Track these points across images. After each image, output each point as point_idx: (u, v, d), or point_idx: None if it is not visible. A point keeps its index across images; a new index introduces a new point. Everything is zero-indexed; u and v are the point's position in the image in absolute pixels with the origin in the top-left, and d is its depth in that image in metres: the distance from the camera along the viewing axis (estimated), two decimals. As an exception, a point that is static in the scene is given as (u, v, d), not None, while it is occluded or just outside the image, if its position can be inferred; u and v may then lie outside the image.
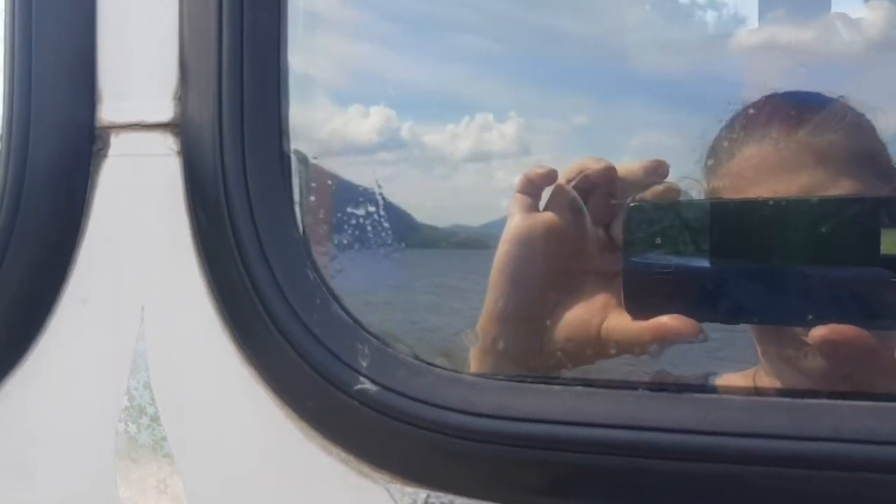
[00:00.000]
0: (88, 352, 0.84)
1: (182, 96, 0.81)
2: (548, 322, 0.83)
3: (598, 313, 0.81)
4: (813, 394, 0.68)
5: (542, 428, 0.69)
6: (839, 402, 0.65)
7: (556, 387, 0.72)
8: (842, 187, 0.95)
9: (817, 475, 0.63)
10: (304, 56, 0.81)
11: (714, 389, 0.76)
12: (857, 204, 0.75)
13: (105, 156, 0.83)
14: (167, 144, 0.81)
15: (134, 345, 0.81)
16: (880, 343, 0.71)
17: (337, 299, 0.78)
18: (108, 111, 0.83)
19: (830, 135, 0.98)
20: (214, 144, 0.78)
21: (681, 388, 0.72)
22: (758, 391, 0.84)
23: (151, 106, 0.82)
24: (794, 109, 1.01)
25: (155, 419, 0.81)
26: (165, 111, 0.81)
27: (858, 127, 1.01)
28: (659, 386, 0.72)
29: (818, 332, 0.70)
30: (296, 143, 0.81)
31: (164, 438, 0.81)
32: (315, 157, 0.82)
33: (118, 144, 0.83)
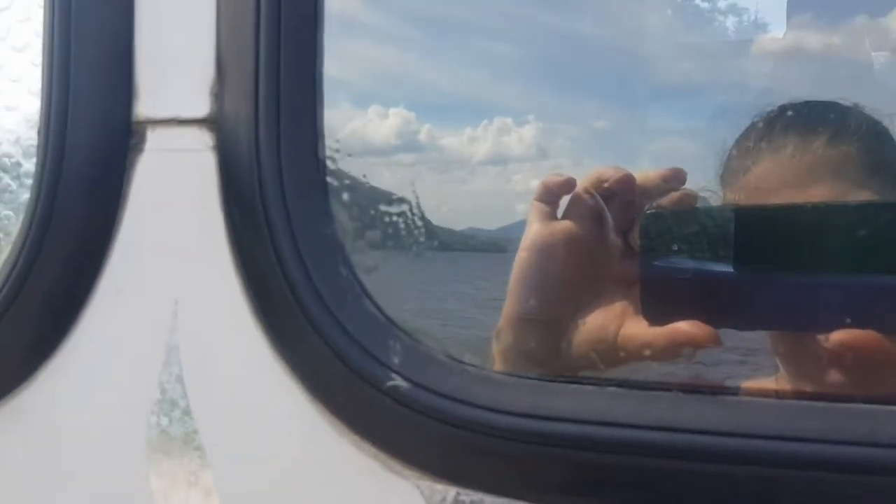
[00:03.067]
0: (122, 344, 0.84)
1: (218, 92, 0.81)
2: (566, 328, 0.83)
3: (615, 320, 0.81)
4: (849, 397, 0.67)
5: (572, 428, 0.70)
6: (876, 406, 0.64)
7: (588, 387, 0.73)
8: (859, 198, 0.94)
9: (853, 480, 0.63)
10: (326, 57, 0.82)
11: (748, 393, 0.76)
12: (881, 210, 0.75)
13: (141, 150, 0.84)
14: (203, 140, 0.82)
15: (167, 338, 0.82)
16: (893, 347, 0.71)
17: (369, 296, 0.79)
18: (145, 106, 0.84)
19: (847, 145, 0.99)
20: (250, 140, 0.79)
21: (714, 390, 0.72)
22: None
23: (187, 101, 0.82)
24: (810, 120, 1.01)
25: (186, 412, 0.81)
26: (201, 107, 0.82)
27: (876, 136, 1.01)
28: (691, 387, 0.72)
29: (837, 336, 0.70)
30: (330, 157, 0.82)
31: (195, 431, 0.81)
32: (350, 155, 0.82)
33: (154, 139, 0.84)
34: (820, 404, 0.66)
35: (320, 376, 0.78)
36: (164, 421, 0.82)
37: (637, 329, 0.79)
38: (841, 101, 1.05)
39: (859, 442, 0.63)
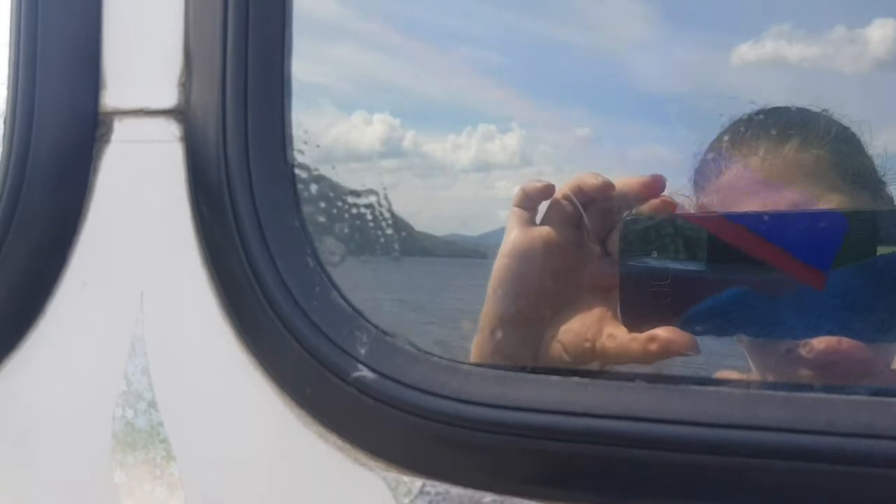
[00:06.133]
0: (87, 336, 0.83)
1: (186, 82, 0.81)
2: (544, 334, 0.83)
3: (593, 326, 0.81)
4: (809, 388, 0.67)
5: (539, 417, 0.69)
6: (835, 395, 0.64)
7: (554, 377, 0.72)
8: (830, 202, 0.96)
9: (812, 468, 0.63)
10: (308, 63, 0.82)
11: (711, 383, 0.77)
12: (855, 218, 0.75)
13: (108, 141, 0.83)
14: (170, 131, 0.81)
15: (132, 330, 0.81)
16: (877, 355, 0.73)
17: (337, 287, 0.78)
18: (112, 96, 0.83)
19: (817, 150, 1.00)
20: (217, 131, 0.78)
21: (678, 379, 0.71)
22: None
23: (155, 92, 0.82)
24: (782, 124, 1.02)
25: (152, 404, 0.80)
26: (169, 97, 0.81)
27: (845, 141, 1.02)
28: (656, 377, 0.72)
29: (814, 344, 0.71)
30: (297, 149, 0.81)
31: (160, 424, 0.80)
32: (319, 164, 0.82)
33: (121, 130, 0.83)
34: (781, 394, 0.66)
35: (287, 368, 0.77)
36: (130, 413, 0.81)
37: (615, 335, 0.79)
38: (811, 107, 1.06)
39: (819, 431, 0.63)
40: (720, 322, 0.75)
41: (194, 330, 0.80)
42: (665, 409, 0.67)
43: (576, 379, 0.71)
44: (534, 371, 0.75)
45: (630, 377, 0.71)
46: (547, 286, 0.83)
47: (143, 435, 0.81)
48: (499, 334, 0.83)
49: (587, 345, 0.81)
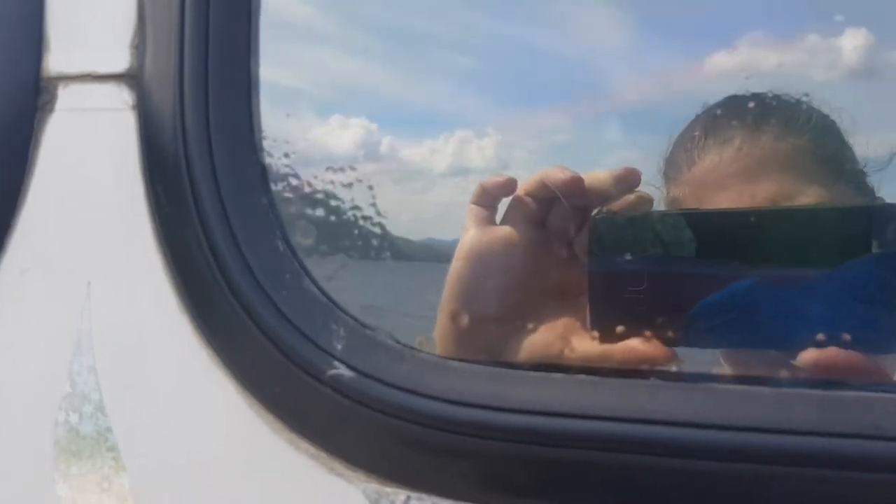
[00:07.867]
0: (26, 330, 0.78)
1: (139, 44, 0.76)
2: (505, 346, 0.79)
3: (560, 337, 0.77)
4: (850, 386, 0.62)
5: (539, 420, 0.64)
6: (881, 395, 0.60)
7: (556, 375, 0.67)
8: (810, 194, 0.93)
9: (854, 477, 0.58)
10: (283, 66, 0.78)
11: (737, 380, 0.71)
12: (848, 214, 0.72)
13: (51, 110, 0.78)
14: (121, 98, 0.76)
15: (78, 323, 0.75)
16: (876, 366, 0.67)
17: (310, 275, 0.73)
18: (56, 60, 0.78)
19: (796, 139, 0.97)
20: (174, 98, 0.73)
21: (699, 377, 0.67)
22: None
23: (104, 55, 0.76)
24: (758, 113, 1.00)
25: (99, 408, 0.75)
26: (120, 61, 0.76)
27: (825, 129, 1.00)
28: (673, 375, 0.68)
29: (808, 356, 0.66)
30: (272, 151, 0.77)
31: (109, 429, 0.75)
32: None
33: (66, 97, 0.78)
34: (816, 392, 0.61)
35: (253, 365, 0.72)
36: (74, 418, 0.75)
37: (585, 347, 0.75)
38: (789, 95, 1.04)
39: (861, 434, 0.58)
40: (700, 332, 0.70)
41: (148, 323, 0.75)
42: (685, 410, 0.62)
43: (582, 377, 0.66)
44: (533, 368, 0.70)
45: (644, 374, 0.67)
46: (507, 292, 0.79)
47: (89, 442, 0.75)
48: (453, 348, 0.79)
49: (554, 358, 0.76)
